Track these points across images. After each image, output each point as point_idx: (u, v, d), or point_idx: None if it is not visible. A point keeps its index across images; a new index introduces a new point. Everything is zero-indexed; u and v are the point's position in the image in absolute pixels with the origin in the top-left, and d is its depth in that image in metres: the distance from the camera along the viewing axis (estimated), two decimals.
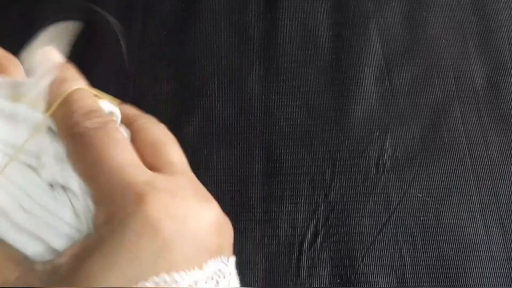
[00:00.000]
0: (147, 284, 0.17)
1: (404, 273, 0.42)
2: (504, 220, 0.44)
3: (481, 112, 0.48)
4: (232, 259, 0.22)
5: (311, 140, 0.47)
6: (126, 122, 0.24)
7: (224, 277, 0.20)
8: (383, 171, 0.46)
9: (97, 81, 0.51)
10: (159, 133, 0.23)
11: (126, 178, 0.19)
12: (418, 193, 0.45)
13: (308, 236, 0.43)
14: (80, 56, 0.52)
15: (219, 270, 0.20)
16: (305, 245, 0.43)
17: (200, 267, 0.19)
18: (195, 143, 0.47)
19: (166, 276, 0.18)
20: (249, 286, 0.42)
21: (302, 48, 0.51)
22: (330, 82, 0.49)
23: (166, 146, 0.23)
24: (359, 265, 0.42)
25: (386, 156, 0.46)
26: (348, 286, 0.41)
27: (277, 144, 0.47)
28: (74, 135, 0.20)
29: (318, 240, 0.43)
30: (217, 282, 0.19)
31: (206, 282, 0.19)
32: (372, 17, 0.52)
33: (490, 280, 0.42)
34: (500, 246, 0.43)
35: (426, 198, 0.45)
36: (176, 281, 0.18)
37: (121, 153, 0.20)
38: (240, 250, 0.43)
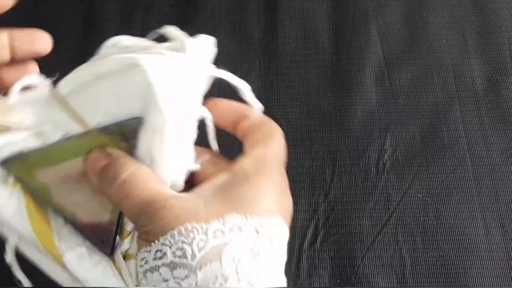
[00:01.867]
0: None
1: (404, 273, 0.42)
2: (504, 220, 0.44)
3: (481, 112, 0.48)
4: None
5: (311, 140, 0.47)
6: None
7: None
8: (383, 171, 0.46)
9: None
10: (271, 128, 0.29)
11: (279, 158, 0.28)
12: (418, 193, 0.45)
13: (308, 236, 0.43)
14: (80, 56, 0.52)
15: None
16: (305, 245, 0.43)
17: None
18: (195, 143, 0.47)
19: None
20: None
21: (302, 48, 0.51)
22: (330, 82, 0.49)
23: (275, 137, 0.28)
24: (359, 265, 0.42)
25: (386, 156, 0.46)
26: (348, 286, 0.41)
27: None
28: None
29: (318, 240, 0.43)
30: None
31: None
32: (372, 17, 0.52)
33: (490, 280, 0.42)
34: (500, 246, 0.43)
35: (426, 198, 0.45)
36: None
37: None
38: None
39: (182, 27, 0.54)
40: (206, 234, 0.21)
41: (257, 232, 0.22)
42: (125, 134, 0.26)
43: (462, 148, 0.46)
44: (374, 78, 0.49)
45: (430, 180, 0.45)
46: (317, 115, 0.48)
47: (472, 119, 0.48)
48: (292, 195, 0.45)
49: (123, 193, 0.23)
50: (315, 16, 0.52)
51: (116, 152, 0.25)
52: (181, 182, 0.26)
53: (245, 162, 0.26)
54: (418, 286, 0.41)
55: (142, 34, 0.52)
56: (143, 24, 0.52)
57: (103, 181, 0.24)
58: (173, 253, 0.21)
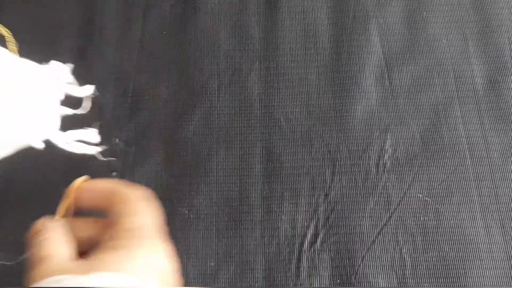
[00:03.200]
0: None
1: (404, 273, 0.42)
2: (504, 220, 0.44)
3: (482, 112, 0.48)
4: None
5: (311, 140, 0.47)
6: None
7: None
8: (383, 171, 0.45)
9: (98, 81, 0.51)
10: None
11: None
12: (419, 193, 0.45)
13: (308, 236, 0.43)
14: (81, 56, 0.52)
15: None
16: (305, 245, 0.43)
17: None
18: (195, 143, 0.47)
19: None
20: (249, 286, 0.42)
21: (302, 48, 0.51)
22: (330, 82, 0.49)
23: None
24: (359, 265, 0.42)
25: (386, 156, 0.46)
26: (348, 286, 0.41)
27: (277, 144, 0.47)
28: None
29: (318, 240, 0.43)
30: None
31: None
32: (372, 17, 0.52)
33: (490, 280, 0.42)
34: (500, 246, 0.43)
35: (426, 198, 0.45)
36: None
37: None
38: (240, 250, 0.43)
39: (182, 27, 0.54)
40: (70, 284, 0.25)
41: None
42: None
43: (462, 148, 0.46)
44: (374, 78, 0.49)
45: (430, 180, 0.45)
46: (317, 115, 0.48)
47: (472, 119, 0.48)
48: (292, 195, 0.45)
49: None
50: (315, 16, 0.52)
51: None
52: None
53: (118, 235, 0.28)
54: (418, 286, 0.41)
55: (142, 34, 0.52)
56: (143, 24, 0.52)
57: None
58: None
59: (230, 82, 0.49)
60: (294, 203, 0.45)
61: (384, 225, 0.44)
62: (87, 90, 0.34)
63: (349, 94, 0.49)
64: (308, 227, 0.44)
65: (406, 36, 0.51)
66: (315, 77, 0.50)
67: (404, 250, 0.43)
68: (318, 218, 0.44)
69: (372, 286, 0.41)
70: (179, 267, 0.29)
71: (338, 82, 0.49)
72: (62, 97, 0.31)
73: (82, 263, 0.27)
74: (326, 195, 0.45)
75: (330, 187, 0.45)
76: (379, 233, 0.43)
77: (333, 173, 0.45)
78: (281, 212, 0.44)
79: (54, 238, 0.29)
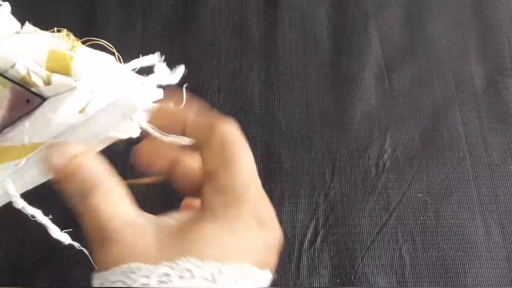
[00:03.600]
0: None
1: (404, 273, 0.42)
2: (503, 220, 0.44)
3: (481, 112, 0.48)
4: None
5: (311, 140, 0.47)
6: None
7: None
8: (383, 171, 0.46)
9: None
10: (232, 134, 0.26)
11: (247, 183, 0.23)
12: (418, 193, 0.45)
13: (308, 236, 0.43)
14: None
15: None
16: (305, 245, 0.43)
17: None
18: None
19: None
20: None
21: (302, 48, 0.51)
22: (330, 82, 0.49)
23: (237, 154, 0.25)
24: (359, 265, 0.42)
25: (386, 156, 0.46)
26: (348, 286, 0.41)
27: (277, 144, 0.47)
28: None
29: (318, 240, 0.43)
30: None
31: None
32: (372, 17, 0.52)
33: (490, 280, 0.42)
34: (500, 246, 0.43)
35: (426, 198, 0.45)
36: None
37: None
38: None
39: (182, 27, 0.54)
40: (149, 277, 0.19)
41: (214, 279, 0.20)
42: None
43: (461, 148, 0.46)
44: (374, 78, 0.49)
45: (430, 180, 0.45)
46: (317, 115, 0.48)
47: (472, 119, 0.48)
48: (292, 195, 0.45)
49: (86, 213, 0.22)
50: (315, 16, 0.52)
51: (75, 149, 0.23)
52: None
53: (214, 199, 0.22)
54: (418, 286, 0.42)
55: (142, 34, 0.52)
56: (143, 24, 0.52)
57: (71, 189, 0.22)
58: None
59: (230, 82, 0.49)
60: (294, 203, 0.45)
61: (384, 224, 0.44)
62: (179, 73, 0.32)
63: (349, 94, 0.49)
64: (308, 227, 0.44)
65: (406, 36, 0.51)
66: (315, 77, 0.50)
67: (403, 250, 0.43)
68: (318, 218, 0.44)
69: (372, 285, 0.42)
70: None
71: (338, 82, 0.49)
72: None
73: (166, 241, 0.20)
74: (326, 195, 0.45)
75: (330, 187, 0.45)
76: (378, 233, 0.43)
77: (333, 173, 0.46)
78: (281, 212, 0.44)
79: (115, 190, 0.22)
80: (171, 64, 0.50)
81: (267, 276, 0.23)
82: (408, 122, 0.48)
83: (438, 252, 0.43)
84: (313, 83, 0.49)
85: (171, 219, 0.23)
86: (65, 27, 0.53)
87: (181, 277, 0.19)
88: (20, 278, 0.41)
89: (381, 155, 0.46)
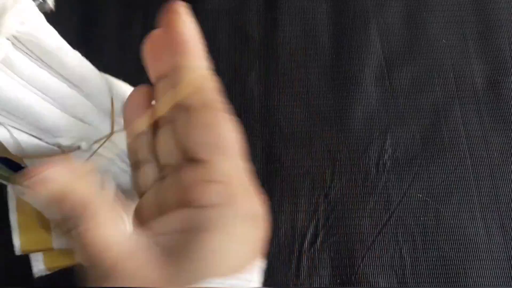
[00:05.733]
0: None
1: (404, 273, 0.42)
2: (504, 220, 0.44)
3: (481, 112, 0.48)
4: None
5: (311, 140, 0.47)
6: None
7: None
8: (383, 171, 0.46)
9: None
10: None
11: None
12: (418, 193, 0.45)
13: (308, 236, 0.43)
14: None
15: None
16: (305, 245, 0.43)
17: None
18: None
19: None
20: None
21: (302, 48, 0.51)
22: (330, 82, 0.49)
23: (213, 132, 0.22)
24: (359, 265, 0.42)
25: (386, 156, 0.46)
26: (348, 286, 0.41)
27: (277, 144, 0.47)
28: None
29: (318, 240, 0.43)
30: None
31: None
32: (372, 17, 0.52)
33: (490, 280, 0.42)
34: (500, 246, 0.43)
35: (426, 198, 0.45)
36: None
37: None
38: None
39: None
40: None
41: None
42: None
43: (462, 148, 0.46)
44: (374, 78, 0.49)
45: (430, 180, 0.45)
46: (317, 115, 0.48)
47: (472, 119, 0.48)
48: (292, 195, 0.45)
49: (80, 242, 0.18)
50: (315, 16, 0.52)
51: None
52: None
53: (205, 193, 0.19)
54: (418, 286, 0.41)
55: (142, 34, 0.52)
56: (143, 24, 0.52)
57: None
58: None
59: (230, 82, 0.49)
60: (294, 203, 0.45)
61: (384, 225, 0.44)
62: None
63: (349, 94, 0.49)
64: (308, 227, 0.44)
65: (406, 36, 0.51)
66: (315, 77, 0.50)
67: (404, 250, 0.43)
68: (318, 218, 0.44)
69: (372, 286, 0.42)
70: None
71: (338, 82, 0.49)
72: None
73: (163, 267, 0.18)
74: (326, 195, 0.45)
75: (330, 187, 0.45)
76: (379, 233, 0.43)
77: (333, 173, 0.45)
78: (281, 212, 0.44)
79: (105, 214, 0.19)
80: None
81: (262, 264, 0.21)
82: (408, 122, 0.48)
83: (439, 252, 0.43)
84: (313, 83, 0.49)
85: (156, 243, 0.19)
86: (65, 27, 0.53)
87: None
88: (19, 279, 0.41)
89: (381, 155, 0.46)
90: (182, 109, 0.20)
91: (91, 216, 0.19)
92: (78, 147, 0.26)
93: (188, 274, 0.18)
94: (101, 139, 0.28)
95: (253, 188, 0.22)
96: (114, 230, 0.19)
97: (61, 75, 0.26)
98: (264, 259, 0.21)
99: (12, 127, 0.24)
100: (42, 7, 0.25)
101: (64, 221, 0.19)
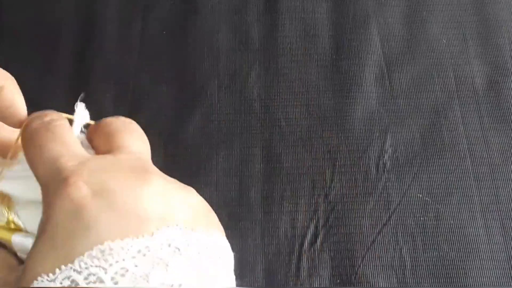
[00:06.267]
0: (84, 259, 0.18)
1: (404, 273, 0.42)
2: (504, 220, 0.44)
3: (481, 112, 0.48)
4: (199, 229, 0.21)
5: (311, 140, 0.47)
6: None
7: (188, 245, 0.19)
8: (383, 171, 0.46)
9: (97, 81, 0.51)
10: (118, 124, 0.24)
11: (57, 166, 0.20)
12: (418, 193, 0.45)
13: (308, 236, 0.43)
14: (81, 56, 0.52)
15: (176, 238, 0.19)
16: (305, 245, 0.43)
17: (150, 234, 0.19)
18: (195, 143, 0.47)
19: (110, 244, 0.18)
20: (249, 286, 0.42)
21: (302, 48, 0.51)
22: (330, 82, 0.49)
23: (120, 133, 0.24)
24: (359, 265, 0.42)
25: (386, 156, 0.46)
26: (348, 286, 0.41)
27: (277, 144, 0.47)
28: (24, 133, 0.23)
29: (318, 240, 0.43)
30: (178, 249, 0.19)
31: (161, 249, 0.19)
32: (372, 17, 0.52)
33: (490, 280, 0.42)
34: (501, 246, 0.43)
35: (426, 198, 0.45)
36: (122, 248, 0.18)
37: (58, 145, 0.22)
38: (240, 250, 0.43)
39: (182, 27, 0.54)
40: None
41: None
42: None
43: (462, 148, 0.46)
44: (374, 78, 0.49)
45: (430, 180, 0.45)
46: (317, 115, 0.48)
47: (472, 119, 0.48)
48: (292, 195, 0.45)
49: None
50: (315, 16, 0.52)
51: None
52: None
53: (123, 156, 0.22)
54: (418, 286, 0.41)
55: (142, 34, 0.52)
56: (143, 24, 0.52)
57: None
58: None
59: (230, 82, 0.49)
60: (294, 203, 0.45)
61: (384, 225, 0.44)
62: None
63: (349, 94, 0.49)
64: (308, 227, 0.44)
65: (406, 36, 0.51)
66: (315, 77, 0.50)
67: (404, 250, 0.43)
68: (318, 218, 0.44)
69: (372, 286, 0.41)
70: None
71: (338, 82, 0.49)
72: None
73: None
74: (326, 195, 0.45)
75: (330, 187, 0.45)
76: (379, 233, 0.43)
77: (333, 173, 0.45)
78: (281, 212, 0.44)
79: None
80: (170, 64, 0.51)
81: (228, 246, 0.21)
82: (408, 122, 0.48)
83: (439, 252, 0.43)
84: (313, 83, 0.49)
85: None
86: (65, 27, 0.53)
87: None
88: None
89: (381, 155, 0.46)
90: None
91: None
92: None
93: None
94: None
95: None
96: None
97: None
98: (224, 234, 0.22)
99: None
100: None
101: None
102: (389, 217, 0.44)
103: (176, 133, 0.47)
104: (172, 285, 0.18)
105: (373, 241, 0.43)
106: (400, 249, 0.43)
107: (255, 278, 0.42)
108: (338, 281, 0.42)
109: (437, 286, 0.41)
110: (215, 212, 0.23)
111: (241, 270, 0.42)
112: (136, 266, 0.18)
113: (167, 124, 0.48)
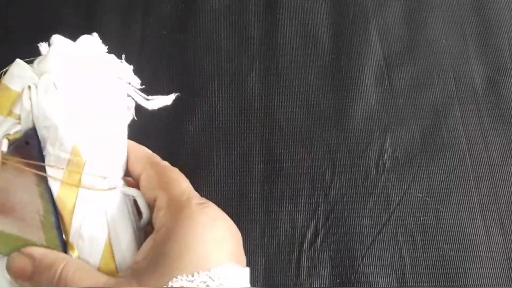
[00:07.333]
0: (218, 270, 0.22)
1: (404, 273, 0.42)
2: (504, 220, 0.44)
3: (481, 112, 0.48)
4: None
5: (311, 140, 0.47)
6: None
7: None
8: (383, 171, 0.46)
9: None
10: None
11: (188, 191, 0.27)
12: (418, 193, 0.45)
13: (308, 236, 0.43)
14: None
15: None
16: (305, 245, 0.43)
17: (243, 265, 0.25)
18: (195, 143, 0.47)
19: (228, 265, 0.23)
20: (249, 286, 0.42)
21: (302, 48, 0.51)
22: (330, 82, 0.49)
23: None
24: (359, 265, 0.42)
25: (386, 156, 0.46)
26: (348, 286, 0.41)
27: (277, 144, 0.47)
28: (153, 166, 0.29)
29: (318, 240, 0.43)
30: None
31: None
32: (372, 17, 0.52)
33: (490, 280, 0.42)
34: (500, 246, 0.43)
35: (426, 198, 0.45)
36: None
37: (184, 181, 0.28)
38: None
39: (182, 27, 0.54)
40: None
41: (207, 286, 0.21)
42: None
43: (462, 148, 0.46)
44: (374, 78, 0.49)
45: (430, 180, 0.45)
46: (317, 115, 0.48)
47: (472, 119, 0.48)
48: (292, 195, 0.45)
49: None
50: (315, 16, 0.52)
51: (36, 252, 0.24)
52: (117, 180, 0.28)
53: (160, 216, 0.25)
54: (418, 286, 0.41)
55: (142, 34, 0.52)
56: (143, 24, 0.52)
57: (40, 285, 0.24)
58: None
59: (230, 82, 0.49)
60: (294, 203, 0.45)
61: (384, 225, 0.44)
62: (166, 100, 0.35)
63: (349, 94, 0.49)
64: (308, 227, 0.44)
65: (406, 36, 0.51)
66: (315, 77, 0.50)
67: (403, 250, 0.43)
68: (318, 218, 0.44)
69: (372, 286, 0.42)
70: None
71: (338, 82, 0.49)
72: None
73: (146, 276, 0.22)
74: (326, 195, 0.45)
75: (330, 187, 0.45)
76: (378, 233, 0.43)
77: (333, 173, 0.46)
78: (281, 212, 0.44)
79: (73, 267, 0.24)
80: (170, 64, 0.51)
81: (247, 272, 0.25)
82: (408, 122, 0.48)
83: (438, 252, 0.43)
84: (313, 83, 0.49)
85: (138, 262, 0.24)
86: (65, 27, 0.53)
87: None
88: None
89: (381, 155, 0.46)
90: None
91: (69, 266, 0.24)
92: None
93: (165, 274, 0.22)
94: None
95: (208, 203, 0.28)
96: (89, 270, 0.24)
97: None
98: (246, 267, 0.25)
99: None
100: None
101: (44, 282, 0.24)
102: (389, 217, 0.44)
103: (176, 133, 0.47)
104: None
105: (373, 241, 0.43)
106: (400, 249, 0.43)
107: (255, 278, 0.42)
108: (338, 280, 0.42)
109: (437, 286, 0.42)
110: None
111: None
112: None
113: (167, 124, 0.48)
